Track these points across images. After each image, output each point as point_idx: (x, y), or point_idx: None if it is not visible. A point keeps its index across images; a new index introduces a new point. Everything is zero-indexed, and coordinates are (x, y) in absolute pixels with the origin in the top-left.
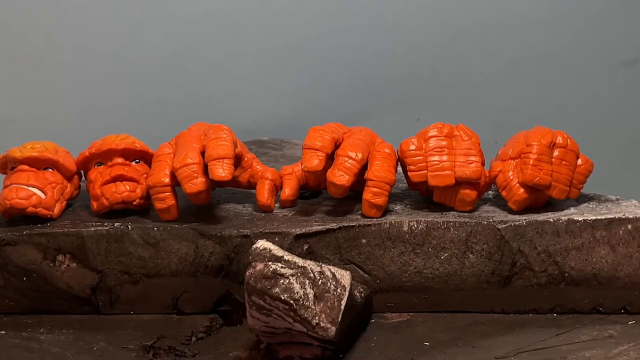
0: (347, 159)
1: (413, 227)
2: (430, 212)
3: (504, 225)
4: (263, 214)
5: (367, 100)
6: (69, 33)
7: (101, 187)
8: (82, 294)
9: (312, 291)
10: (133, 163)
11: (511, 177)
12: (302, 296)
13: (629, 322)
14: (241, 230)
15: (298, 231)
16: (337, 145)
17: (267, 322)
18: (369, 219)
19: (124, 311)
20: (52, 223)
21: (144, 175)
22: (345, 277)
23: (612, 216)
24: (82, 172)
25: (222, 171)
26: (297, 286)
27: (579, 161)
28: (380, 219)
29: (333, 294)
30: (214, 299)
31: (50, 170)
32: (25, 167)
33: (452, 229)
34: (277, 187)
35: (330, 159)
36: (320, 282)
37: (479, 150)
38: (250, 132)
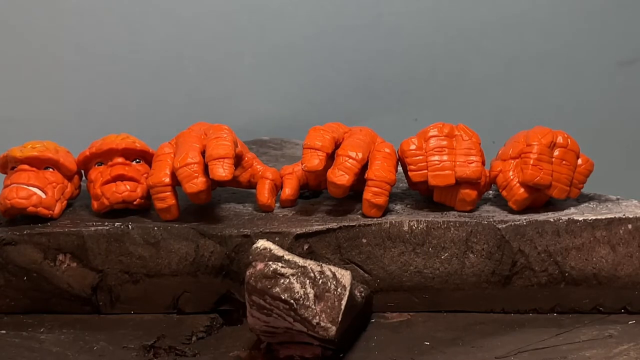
0: (347, 158)
1: (413, 227)
2: (430, 211)
3: (504, 225)
4: (263, 214)
5: (367, 100)
6: (69, 33)
7: (102, 186)
8: (82, 293)
9: (312, 291)
10: (133, 163)
11: (511, 177)
12: (303, 296)
13: (629, 322)
14: (241, 229)
15: (298, 231)
16: (337, 145)
17: (267, 321)
18: (370, 219)
19: (125, 311)
20: (53, 223)
21: (145, 175)
22: (345, 276)
23: (613, 216)
24: (82, 171)
25: (222, 171)
26: (297, 286)
27: (579, 161)
28: (380, 219)
29: (333, 293)
30: (215, 299)
31: (50, 169)
32: (26, 166)
33: (452, 228)
34: (277, 187)
35: (330, 158)
36: (320, 282)
37: (480, 150)
38: (251, 132)
